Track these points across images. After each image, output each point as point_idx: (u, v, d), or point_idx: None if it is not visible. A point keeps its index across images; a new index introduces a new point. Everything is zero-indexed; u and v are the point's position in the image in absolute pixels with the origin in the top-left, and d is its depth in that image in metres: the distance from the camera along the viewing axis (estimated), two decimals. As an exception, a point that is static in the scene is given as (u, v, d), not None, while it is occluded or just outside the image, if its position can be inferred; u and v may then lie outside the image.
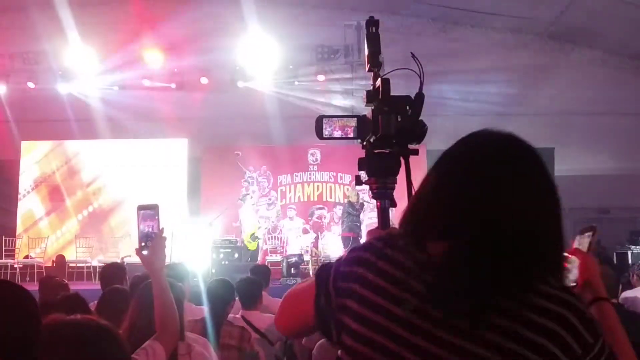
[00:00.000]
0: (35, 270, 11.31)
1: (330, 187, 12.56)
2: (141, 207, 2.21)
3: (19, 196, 13.17)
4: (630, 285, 5.99)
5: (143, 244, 2.18)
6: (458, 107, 13.93)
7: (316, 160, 12.57)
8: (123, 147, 13.19)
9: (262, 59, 12.39)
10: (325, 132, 1.65)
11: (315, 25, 13.12)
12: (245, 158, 12.66)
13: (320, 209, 12.38)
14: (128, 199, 12.63)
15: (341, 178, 12.54)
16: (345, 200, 11.01)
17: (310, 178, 12.56)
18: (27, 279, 11.12)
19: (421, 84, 1.60)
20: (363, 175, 1.67)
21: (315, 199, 12.52)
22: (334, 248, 11.44)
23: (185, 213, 12.25)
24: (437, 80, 13.78)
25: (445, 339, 1.01)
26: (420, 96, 1.56)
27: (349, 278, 1.12)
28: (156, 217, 2.20)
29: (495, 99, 13.94)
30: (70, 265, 11.78)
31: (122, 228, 12.40)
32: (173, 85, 13.12)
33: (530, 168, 1.14)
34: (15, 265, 11.43)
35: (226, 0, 12.16)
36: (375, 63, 1.63)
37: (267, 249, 11.81)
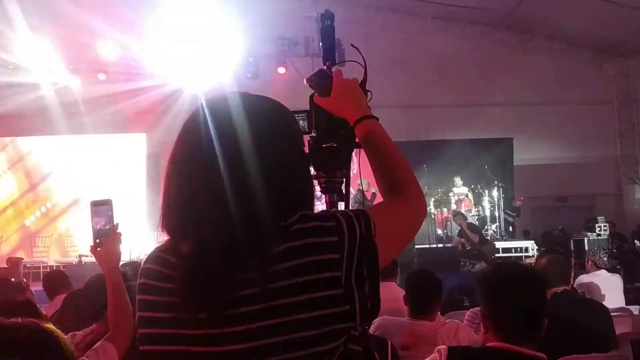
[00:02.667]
0: (-11, 272, 10.94)
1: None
2: (94, 203, 2.12)
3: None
4: (585, 271, 6.14)
5: (97, 240, 2.11)
6: (418, 98, 14.01)
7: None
8: (79, 142, 12.85)
9: (221, 50, 12.18)
10: None
11: (275, 16, 12.98)
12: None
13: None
14: (85, 196, 12.31)
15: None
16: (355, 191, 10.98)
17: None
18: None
19: (365, 75, 1.56)
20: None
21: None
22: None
23: (144, 209, 12.01)
24: (396, 71, 13.83)
25: (201, 335, 1.04)
26: (361, 89, 1.49)
27: (139, 290, 1.15)
28: (110, 213, 2.12)
29: (454, 90, 14.06)
30: (27, 266, 11.44)
31: (79, 226, 12.09)
32: (132, 80, 12.77)
33: (231, 140, 1.09)
34: (-32, 267, 11.04)
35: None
36: (329, 57, 1.58)
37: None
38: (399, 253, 1.28)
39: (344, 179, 1.57)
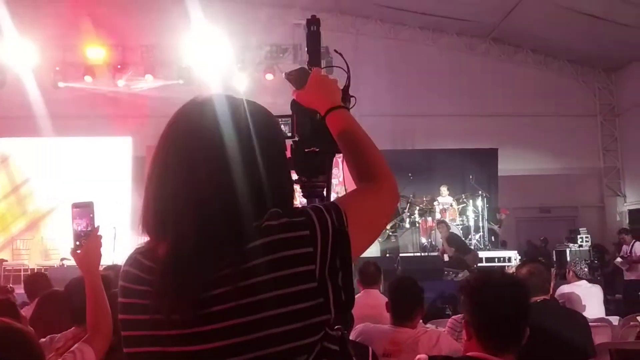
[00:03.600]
0: (-31, 274, 10.82)
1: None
2: (75, 205, 2.12)
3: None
4: (566, 281, 6.21)
5: (77, 243, 2.09)
6: (404, 107, 14.09)
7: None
8: (64, 145, 12.75)
9: (209, 56, 12.17)
10: None
11: (264, 24, 13.01)
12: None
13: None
14: (68, 199, 12.16)
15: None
16: None
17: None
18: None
19: (348, 80, 1.58)
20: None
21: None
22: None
23: (129, 213, 11.92)
24: (384, 81, 13.92)
25: (176, 335, 1.05)
26: (344, 94, 1.51)
27: (119, 292, 1.16)
28: (91, 215, 2.11)
29: (440, 100, 14.16)
30: (7, 269, 11.31)
31: (62, 230, 11.96)
32: (119, 82, 12.70)
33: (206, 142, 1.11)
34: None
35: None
36: (314, 61, 1.59)
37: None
38: (373, 240, 1.28)
39: (326, 184, 1.58)
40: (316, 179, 1.55)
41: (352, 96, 1.57)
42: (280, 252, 1.05)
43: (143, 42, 12.39)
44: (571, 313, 3.70)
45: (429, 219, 11.84)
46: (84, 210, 2.11)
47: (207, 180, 1.08)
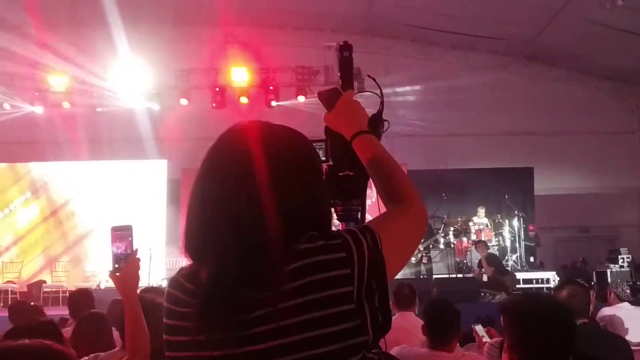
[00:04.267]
0: (9, 296, 11.05)
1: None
2: (115, 229, 2.16)
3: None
4: (607, 303, 6.02)
5: (116, 265, 2.13)
6: (437, 127, 13.99)
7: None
8: (101, 168, 13.02)
9: (242, 79, 12.36)
10: None
11: (295, 46, 13.16)
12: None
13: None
14: (105, 222, 12.42)
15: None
16: None
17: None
18: (1, 304, 10.87)
19: (381, 105, 1.59)
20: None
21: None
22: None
23: (163, 235, 12.07)
24: (416, 101, 13.90)
25: (218, 356, 1.08)
26: (376, 118, 1.53)
27: (164, 314, 1.20)
28: (129, 238, 2.15)
29: (474, 119, 14.04)
30: (46, 290, 11.53)
31: (99, 252, 12.16)
32: (155, 106, 12.97)
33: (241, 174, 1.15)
34: (-11, 291, 11.17)
35: (204, 22, 12.17)
36: (347, 86, 1.60)
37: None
38: (406, 262, 1.31)
39: (360, 207, 1.58)
40: (350, 202, 1.56)
41: (386, 120, 1.57)
42: (318, 274, 1.08)
43: (177, 67, 12.67)
44: (612, 337, 3.60)
45: (464, 239, 11.69)
46: (123, 233, 2.16)
47: (245, 207, 1.12)
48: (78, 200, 12.92)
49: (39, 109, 12.80)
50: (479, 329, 4.97)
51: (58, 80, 12.50)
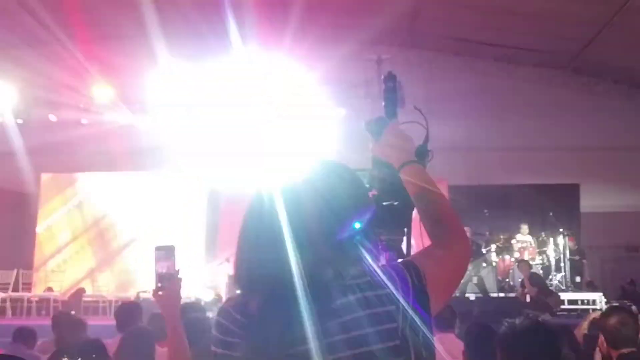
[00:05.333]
0: (51, 304, 11.25)
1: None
2: (158, 248, 2.21)
3: (37, 229, 13.18)
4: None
5: (159, 284, 2.17)
6: (480, 142, 13.74)
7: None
8: (141, 179, 13.21)
9: (285, 94, 12.44)
10: None
11: (335, 59, 13.13)
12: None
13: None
14: (145, 233, 12.60)
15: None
16: None
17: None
18: (43, 312, 11.09)
19: (427, 137, 1.64)
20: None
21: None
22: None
23: (202, 248, 12.13)
24: (458, 114, 13.68)
25: None
26: (423, 149, 1.58)
27: (212, 341, 1.24)
28: (172, 259, 2.19)
29: (518, 134, 13.74)
30: (86, 299, 11.71)
31: (138, 263, 12.29)
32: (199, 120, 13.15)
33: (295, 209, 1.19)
34: (32, 299, 11.38)
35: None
36: (391, 116, 1.63)
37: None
38: (449, 298, 1.38)
39: (405, 237, 1.60)
40: (394, 232, 1.58)
41: (430, 150, 1.62)
42: (364, 311, 1.13)
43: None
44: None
45: (507, 257, 11.40)
46: (166, 253, 2.19)
47: (294, 242, 1.15)
48: (119, 211, 13.11)
49: (83, 121, 13.07)
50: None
51: (103, 92, 12.77)
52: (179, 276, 2.21)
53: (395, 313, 1.13)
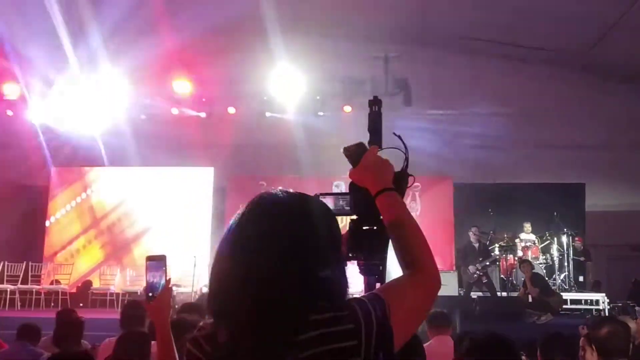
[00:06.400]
0: (60, 297, 11.40)
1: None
2: (149, 258, 2.25)
3: (47, 222, 13.33)
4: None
5: (150, 294, 2.21)
6: (486, 140, 13.71)
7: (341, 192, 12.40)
8: (150, 174, 13.31)
9: (290, 89, 12.43)
10: None
11: (342, 57, 13.14)
12: (269, 189, 12.56)
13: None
14: (153, 227, 12.73)
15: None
16: None
17: (334, 210, 12.35)
18: (52, 304, 11.24)
19: (406, 160, 1.61)
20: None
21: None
22: (354, 280, 11.29)
23: (207, 242, 12.22)
24: (465, 113, 13.66)
25: None
26: (402, 175, 1.56)
27: None
28: (163, 268, 2.22)
29: (524, 133, 13.71)
30: (94, 292, 11.86)
31: (144, 257, 12.37)
32: (203, 115, 13.20)
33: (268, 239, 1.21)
34: (41, 291, 11.53)
35: (255, 31, 12.27)
36: (374, 141, 1.62)
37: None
38: (416, 328, 1.37)
39: (382, 263, 1.59)
40: (373, 257, 1.56)
41: (411, 175, 1.60)
42: (326, 345, 1.13)
43: (227, 75, 12.86)
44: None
45: (510, 256, 11.41)
46: (157, 263, 2.23)
47: (262, 278, 1.17)
48: (127, 206, 13.24)
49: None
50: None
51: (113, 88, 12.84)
52: (170, 286, 2.25)
53: (357, 348, 1.14)
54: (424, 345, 4.66)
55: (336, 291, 1.23)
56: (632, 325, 5.15)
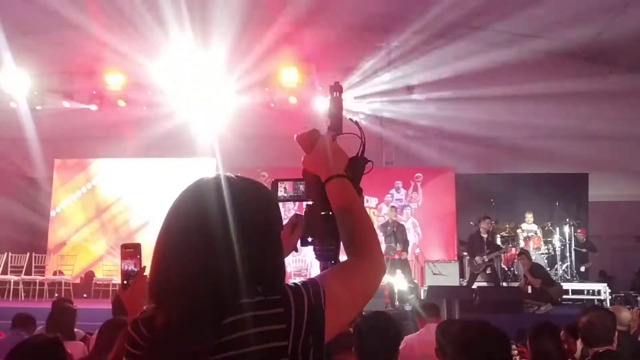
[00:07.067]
0: (63, 287, 11.49)
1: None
2: (124, 246, 2.24)
3: (51, 213, 13.42)
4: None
5: (125, 282, 2.21)
6: (490, 130, 13.65)
7: (341, 182, 12.40)
8: (152, 165, 13.35)
9: (290, 79, 12.42)
10: (280, 195, 1.68)
11: (345, 47, 13.10)
12: (270, 179, 12.59)
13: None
14: (156, 218, 12.76)
15: (367, 201, 12.40)
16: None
17: (335, 200, 12.34)
18: (56, 295, 11.31)
19: (362, 147, 1.60)
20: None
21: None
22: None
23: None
24: (468, 102, 13.60)
25: None
26: (357, 161, 1.55)
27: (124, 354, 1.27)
28: (138, 256, 2.22)
29: (527, 123, 13.63)
30: (98, 283, 11.95)
31: (150, 247, 12.42)
32: (205, 105, 13.22)
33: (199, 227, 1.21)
34: (44, 282, 11.62)
35: (266, 23, 12.27)
36: (335, 127, 1.61)
37: (291, 271, 11.73)
38: (352, 317, 1.34)
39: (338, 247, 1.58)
40: (328, 242, 1.56)
41: (370, 161, 1.59)
42: (253, 329, 1.14)
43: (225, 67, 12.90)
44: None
45: (512, 247, 11.37)
46: (133, 251, 2.23)
47: (194, 263, 1.17)
48: (130, 197, 13.30)
49: (93, 107, 13.21)
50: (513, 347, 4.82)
51: (114, 79, 12.90)
52: (145, 274, 2.22)
53: (285, 332, 1.14)
54: (414, 333, 4.69)
55: (271, 276, 1.23)
56: (627, 314, 5.15)
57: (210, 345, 1.12)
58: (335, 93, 1.67)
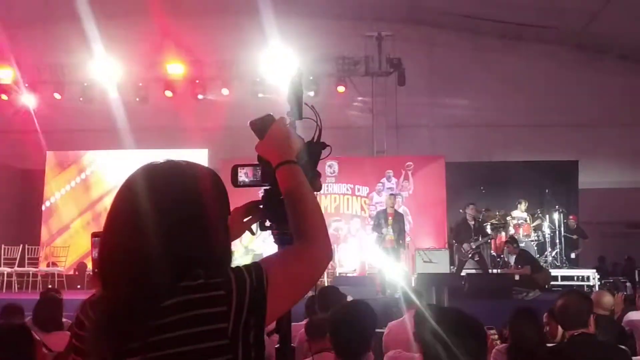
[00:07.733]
0: (56, 279, 11.53)
1: (348, 199, 12.45)
2: (94, 235, 2.24)
3: (43, 206, 13.44)
4: (636, 307, 5.82)
5: (96, 270, 2.21)
6: (480, 119, 13.70)
7: (334, 172, 12.45)
8: (144, 157, 13.27)
9: (282, 70, 12.40)
10: (240, 180, 1.68)
11: (336, 36, 13.10)
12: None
13: (337, 221, 12.20)
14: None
15: (358, 190, 12.44)
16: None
17: (327, 190, 12.40)
18: (49, 286, 11.34)
19: (319, 131, 1.62)
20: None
21: (333, 211, 12.38)
22: (349, 261, 11.37)
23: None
24: (460, 91, 13.65)
25: None
26: (312, 145, 1.57)
27: (72, 335, 1.31)
28: None
29: (518, 111, 13.68)
30: (90, 274, 11.95)
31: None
32: (200, 97, 13.21)
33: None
34: (37, 274, 11.65)
35: (248, 12, 12.24)
36: (295, 114, 1.63)
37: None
38: (296, 301, 1.33)
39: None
40: (285, 226, 1.56)
41: (328, 145, 1.62)
42: (192, 311, 1.15)
43: (220, 57, 12.87)
44: (611, 347, 3.48)
45: (502, 234, 11.43)
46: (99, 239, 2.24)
47: (135, 245, 1.20)
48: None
49: (85, 99, 13.19)
50: (491, 332, 4.88)
51: (105, 71, 12.88)
52: None
53: (225, 314, 1.15)
54: (398, 320, 4.75)
55: (213, 259, 1.24)
56: (609, 299, 5.22)
57: (148, 327, 1.13)
58: (294, 78, 1.69)
